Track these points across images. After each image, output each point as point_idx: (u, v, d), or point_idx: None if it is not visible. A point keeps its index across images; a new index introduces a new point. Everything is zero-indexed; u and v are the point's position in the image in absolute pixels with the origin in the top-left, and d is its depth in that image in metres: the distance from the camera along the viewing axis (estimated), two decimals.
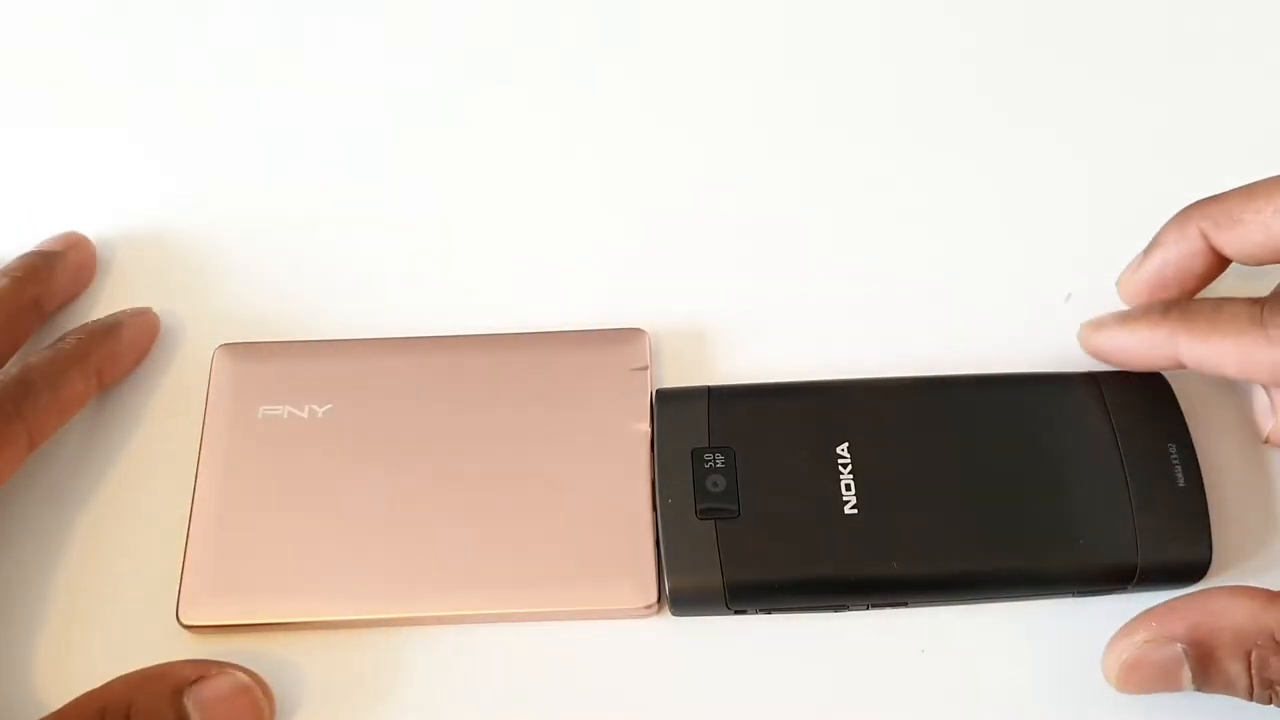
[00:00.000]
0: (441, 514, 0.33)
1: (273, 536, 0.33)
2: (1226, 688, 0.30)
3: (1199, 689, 0.30)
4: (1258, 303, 0.31)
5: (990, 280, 0.38)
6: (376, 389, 0.35)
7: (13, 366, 0.34)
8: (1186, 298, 0.35)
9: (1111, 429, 0.34)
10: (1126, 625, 0.31)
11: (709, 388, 0.35)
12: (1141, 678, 0.30)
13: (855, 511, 0.32)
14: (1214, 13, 0.43)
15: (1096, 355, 0.35)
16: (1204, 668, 0.29)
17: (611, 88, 0.42)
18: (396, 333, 0.37)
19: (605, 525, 0.33)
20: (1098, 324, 0.35)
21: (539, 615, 0.33)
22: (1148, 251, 0.35)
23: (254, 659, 0.32)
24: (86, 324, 0.36)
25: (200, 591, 0.32)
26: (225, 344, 0.36)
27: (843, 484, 0.33)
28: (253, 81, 0.43)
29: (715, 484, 0.33)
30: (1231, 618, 0.29)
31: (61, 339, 0.35)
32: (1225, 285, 0.35)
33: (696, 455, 0.33)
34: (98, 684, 0.30)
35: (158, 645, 0.32)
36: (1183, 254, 0.34)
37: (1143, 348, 0.33)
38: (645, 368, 0.36)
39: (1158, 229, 0.35)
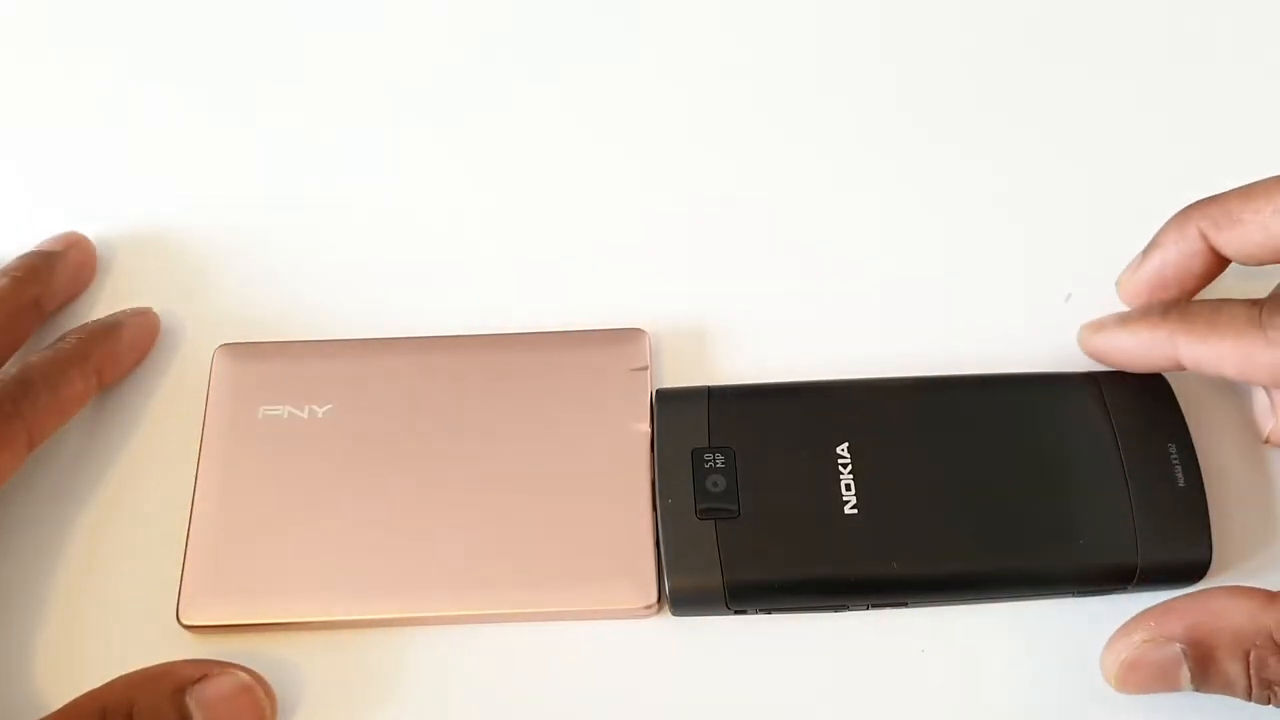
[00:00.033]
0: (441, 514, 0.33)
1: (273, 536, 0.33)
2: (1225, 688, 0.30)
3: (1198, 689, 0.30)
4: (1256, 304, 0.31)
5: (990, 280, 0.38)
6: (376, 389, 0.35)
7: (12, 366, 0.34)
8: (1186, 298, 0.35)
9: (1111, 429, 0.34)
10: (1125, 625, 0.31)
11: (709, 388, 0.35)
12: (1140, 678, 0.30)
13: (855, 511, 0.32)
14: (1214, 13, 0.43)
15: (1096, 357, 0.35)
16: (1203, 668, 0.29)
17: (612, 88, 0.42)
18: (396, 333, 0.37)
19: (605, 525, 0.33)
20: (1097, 326, 0.35)
21: (539, 615, 0.33)
22: (1147, 252, 0.35)
23: (254, 659, 0.32)
24: (86, 324, 0.36)
25: (200, 591, 0.32)
26: (225, 344, 0.36)
27: (843, 484, 0.33)
28: (253, 82, 0.43)
29: (715, 484, 0.33)
30: (1230, 618, 0.29)
31: (61, 339, 0.35)
32: (1225, 285, 0.35)
33: (696, 455, 0.33)
34: (98, 684, 0.30)
35: (158, 645, 0.32)
36: (1182, 254, 0.34)
37: (1142, 349, 0.33)
38: (645, 368, 0.36)
39: (1157, 229, 0.35)
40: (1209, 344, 0.32)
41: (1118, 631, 0.31)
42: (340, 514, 0.33)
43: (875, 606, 0.33)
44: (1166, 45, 0.43)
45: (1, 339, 0.35)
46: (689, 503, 0.33)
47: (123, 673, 0.31)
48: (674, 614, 0.33)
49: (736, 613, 0.33)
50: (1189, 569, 0.32)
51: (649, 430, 0.34)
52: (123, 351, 0.36)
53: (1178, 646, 0.30)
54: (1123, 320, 0.34)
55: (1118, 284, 0.36)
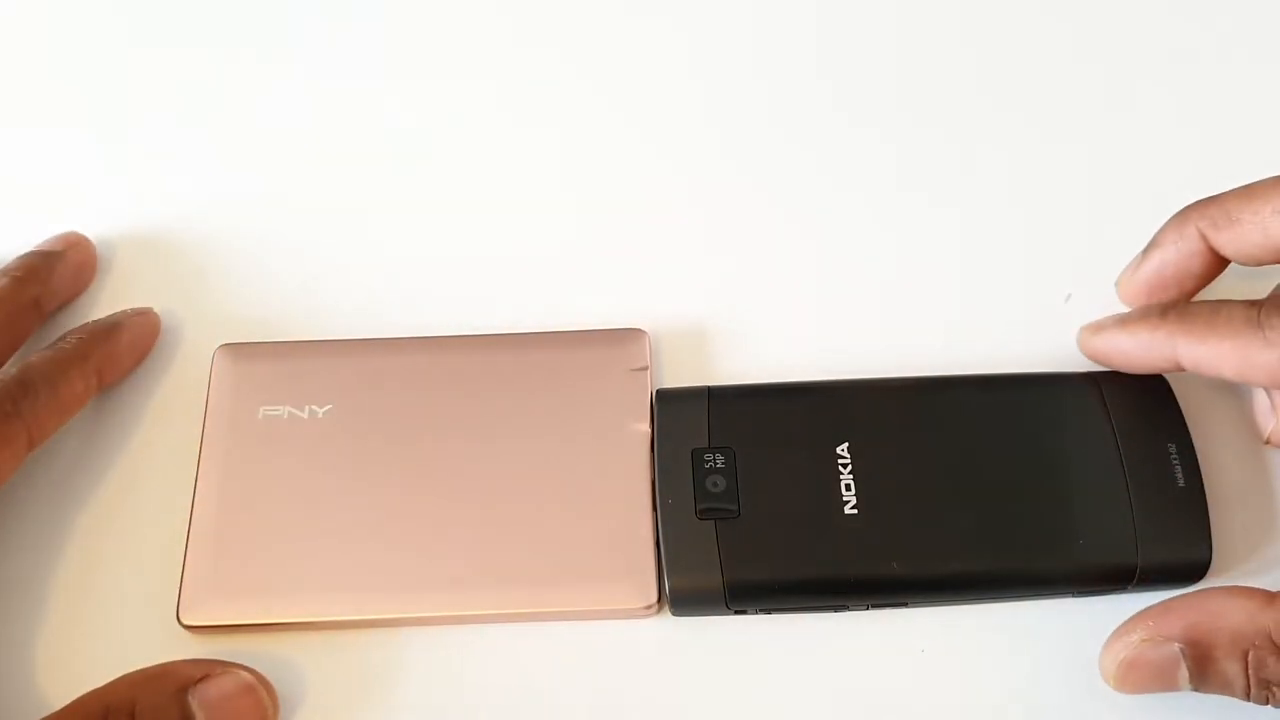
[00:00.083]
0: (441, 514, 0.33)
1: (273, 536, 0.33)
2: (1224, 688, 0.30)
3: (1196, 689, 0.30)
4: (1255, 305, 0.31)
5: (990, 280, 0.38)
6: (376, 389, 0.35)
7: (12, 366, 0.34)
8: (1185, 299, 0.35)
9: (1111, 429, 0.34)
10: (1124, 624, 0.31)
11: (709, 388, 0.35)
12: (1139, 677, 0.30)
13: (855, 512, 0.32)
14: (1214, 13, 0.43)
15: (1095, 359, 0.35)
16: (1201, 668, 0.30)
17: (612, 88, 0.42)
18: (396, 333, 0.37)
19: (605, 525, 0.33)
20: (1096, 327, 0.35)
21: (539, 615, 0.33)
22: (1146, 252, 0.35)
23: (254, 659, 0.32)
24: (87, 324, 0.36)
25: (200, 591, 0.32)
26: (225, 344, 0.36)
27: (843, 484, 0.33)
28: (253, 82, 0.43)
29: (715, 484, 0.33)
30: (1229, 618, 0.29)
31: (62, 339, 0.35)
32: (1224, 286, 0.35)
33: (696, 455, 0.33)
34: (98, 684, 0.30)
35: (158, 645, 0.32)
36: (1181, 254, 0.34)
37: (1141, 350, 0.33)
38: (645, 368, 0.36)
39: (1157, 229, 0.35)
40: (1208, 345, 0.32)
41: (1116, 631, 0.31)
42: (340, 514, 0.33)
43: (875, 606, 0.33)
44: (1166, 45, 0.43)
45: (1, 339, 0.35)
46: (689, 503, 0.33)
47: (123, 673, 0.30)
48: (674, 614, 0.33)
49: (736, 613, 0.33)
50: (1189, 569, 0.32)
51: (649, 430, 0.34)
52: (123, 351, 0.36)
53: (1176, 646, 0.30)
54: (1122, 322, 0.34)
55: (1117, 284, 0.36)
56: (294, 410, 0.35)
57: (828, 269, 0.38)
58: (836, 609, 0.33)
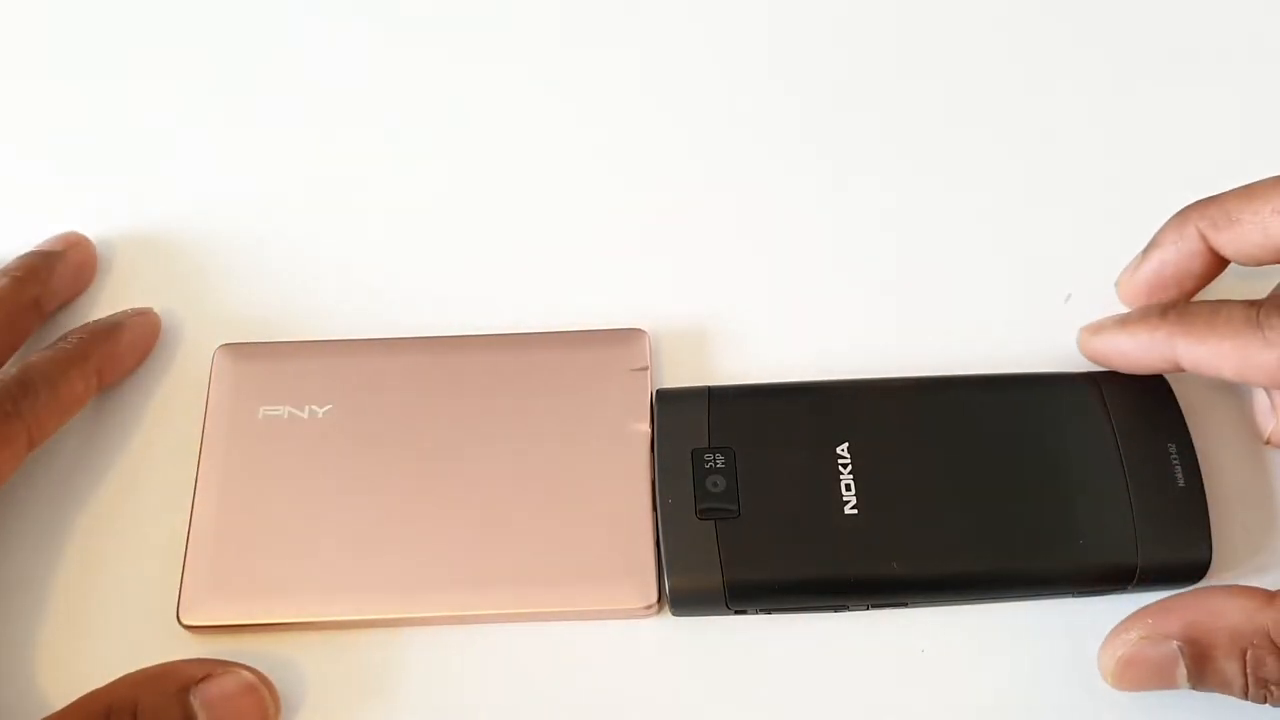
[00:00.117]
0: (441, 514, 0.33)
1: (273, 536, 0.33)
2: (1222, 686, 0.30)
3: (1194, 687, 0.30)
4: (1255, 305, 0.31)
5: (990, 280, 0.38)
6: (376, 389, 0.35)
7: (12, 366, 0.34)
8: (1185, 299, 0.35)
9: (1111, 429, 0.34)
10: (1122, 622, 0.31)
11: (709, 388, 0.35)
12: (1137, 675, 0.30)
13: (855, 511, 0.32)
14: (1214, 14, 0.43)
15: (1095, 359, 0.35)
16: (1199, 666, 0.30)
17: (612, 87, 0.42)
18: (396, 333, 0.37)
19: (605, 525, 0.33)
20: (1096, 328, 0.35)
21: (539, 615, 0.33)
22: (1146, 252, 0.35)
23: (254, 659, 0.32)
24: (87, 324, 0.36)
25: (200, 591, 0.32)
26: (225, 344, 0.36)
27: (843, 484, 0.33)
28: (252, 81, 0.43)
29: (715, 484, 0.33)
30: (1228, 617, 0.29)
31: (62, 339, 0.35)
32: (1224, 286, 0.35)
33: (696, 455, 0.33)
34: (98, 684, 0.30)
35: (158, 645, 0.32)
36: (1181, 254, 0.34)
37: (1141, 351, 0.33)
38: (645, 368, 0.36)
39: (1157, 229, 0.35)
40: (1207, 345, 0.32)
41: (1115, 628, 0.31)
42: (340, 514, 0.33)
43: (875, 606, 0.33)
44: (1166, 46, 0.43)
45: (1, 339, 0.35)
46: (689, 503, 0.33)
47: (123, 673, 0.31)
48: (674, 614, 0.33)
49: (736, 613, 0.33)
50: (1189, 569, 0.32)
51: (649, 430, 0.34)
52: (123, 352, 0.36)
53: (1175, 644, 0.30)
54: (1121, 322, 0.34)
55: (1117, 285, 0.36)
56: (294, 410, 0.35)
57: (828, 269, 0.38)
58: (836, 609, 0.33)
